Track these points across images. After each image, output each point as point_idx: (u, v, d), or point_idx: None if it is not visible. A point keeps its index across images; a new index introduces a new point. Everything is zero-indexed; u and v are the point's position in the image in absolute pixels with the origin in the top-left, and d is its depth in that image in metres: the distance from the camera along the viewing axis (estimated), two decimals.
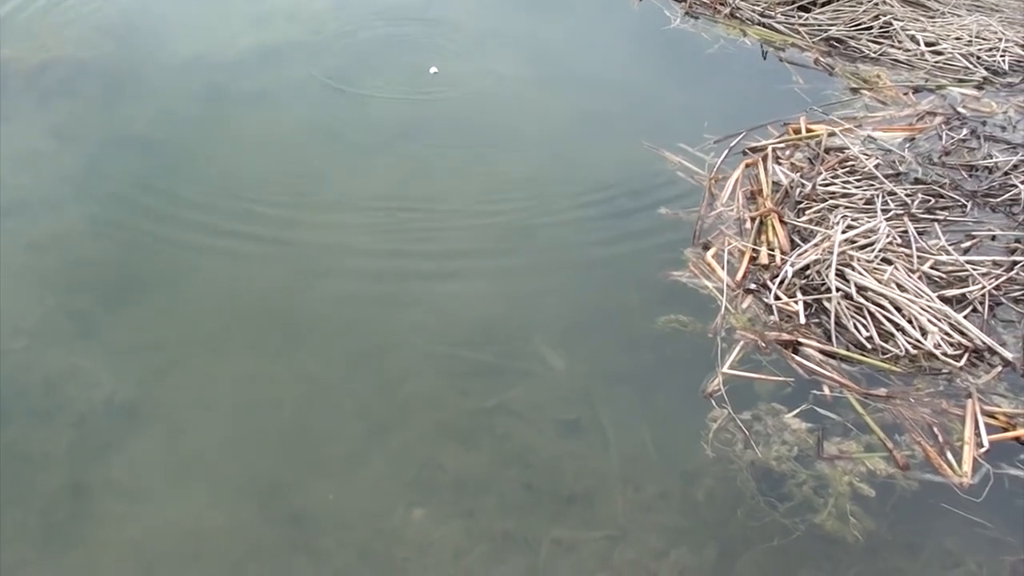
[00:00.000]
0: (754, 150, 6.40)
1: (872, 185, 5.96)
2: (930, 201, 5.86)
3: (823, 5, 8.15)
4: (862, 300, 5.07)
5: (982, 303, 5.15)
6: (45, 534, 4.06)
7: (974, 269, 5.32)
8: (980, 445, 4.45)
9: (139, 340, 4.95)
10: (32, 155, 6.17)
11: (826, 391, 4.73)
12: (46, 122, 6.49)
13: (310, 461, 4.42)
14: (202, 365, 4.86)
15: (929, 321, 4.97)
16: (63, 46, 7.38)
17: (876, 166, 6.12)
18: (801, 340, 4.95)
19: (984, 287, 5.19)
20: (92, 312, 5.09)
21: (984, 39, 7.69)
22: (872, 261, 5.27)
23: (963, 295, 5.18)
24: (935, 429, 4.53)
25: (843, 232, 5.43)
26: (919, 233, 5.54)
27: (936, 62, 7.44)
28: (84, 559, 4.00)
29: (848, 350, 4.92)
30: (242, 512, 4.20)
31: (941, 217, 5.73)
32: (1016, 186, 5.97)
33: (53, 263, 5.37)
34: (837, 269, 5.20)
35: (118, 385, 4.69)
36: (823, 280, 5.19)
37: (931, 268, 5.31)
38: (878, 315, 5.01)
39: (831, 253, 5.27)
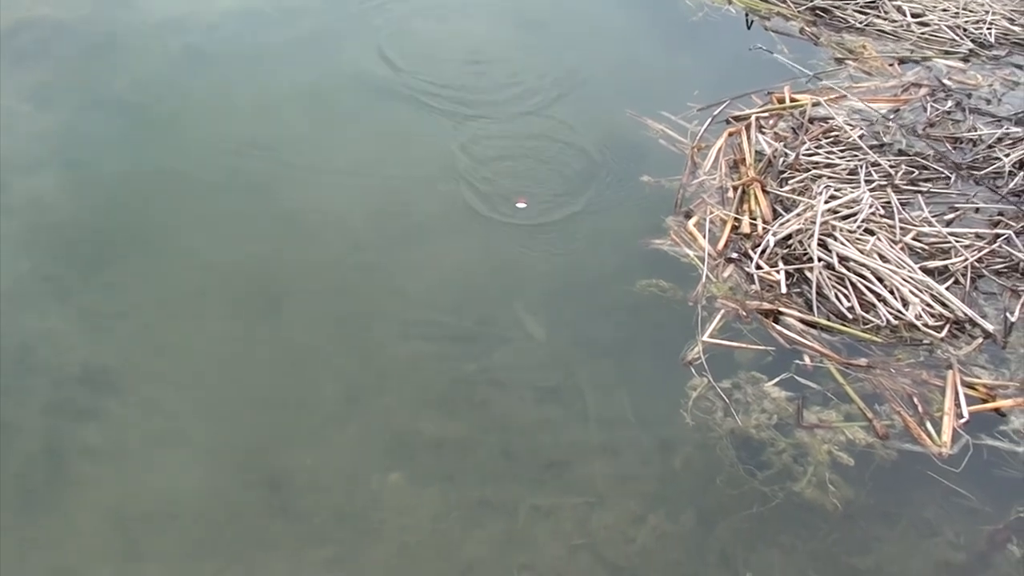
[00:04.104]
0: (737, 119, 6.36)
1: (856, 156, 5.94)
2: (914, 173, 5.84)
3: None
4: (844, 270, 5.06)
5: (964, 275, 5.14)
6: (21, 499, 4.03)
7: (957, 241, 5.31)
8: (960, 416, 4.45)
9: (115, 305, 4.90)
10: (6, 117, 6.07)
11: (806, 360, 4.72)
12: (21, 84, 6.39)
13: (288, 425, 4.40)
14: (179, 330, 4.82)
15: (911, 292, 4.96)
16: (39, 6, 7.26)
17: (860, 137, 6.09)
18: (782, 309, 4.94)
19: (966, 259, 5.18)
20: (68, 276, 5.04)
21: (971, 11, 7.66)
22: (855, 232, 5.25)
23: (945, 267, 5.17)
24: (915, 399, 4.53)
25: (826, 202, 5.41)
26: (902, 204, 5.52)
27: (922, 33, 7.40)
28: (61, 523, 3.98)
29: (829, 320, 4.90)
30: (219, 475, 4.18)
31: (924, 189, 5.72)
32: (1000, 159, 5.95)
33: (28, 227, 5.30)
34: (819, 239, 5.18)
35: (94, 350, 4.66)
36: (805, 250, 5.17)
37: (914, 239, 5.30)
38: (860, 285, 5.00)
39: (813, 223, 5.25)
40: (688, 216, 5.53)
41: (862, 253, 5.11)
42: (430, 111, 6.39)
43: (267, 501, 4.08)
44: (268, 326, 4.85)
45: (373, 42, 7.06)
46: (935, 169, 5.89)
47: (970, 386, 4.60)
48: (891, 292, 4.97)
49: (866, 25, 7.47)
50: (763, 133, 6.18)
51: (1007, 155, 5.98)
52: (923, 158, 5.95)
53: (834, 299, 4.97)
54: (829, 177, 5.74)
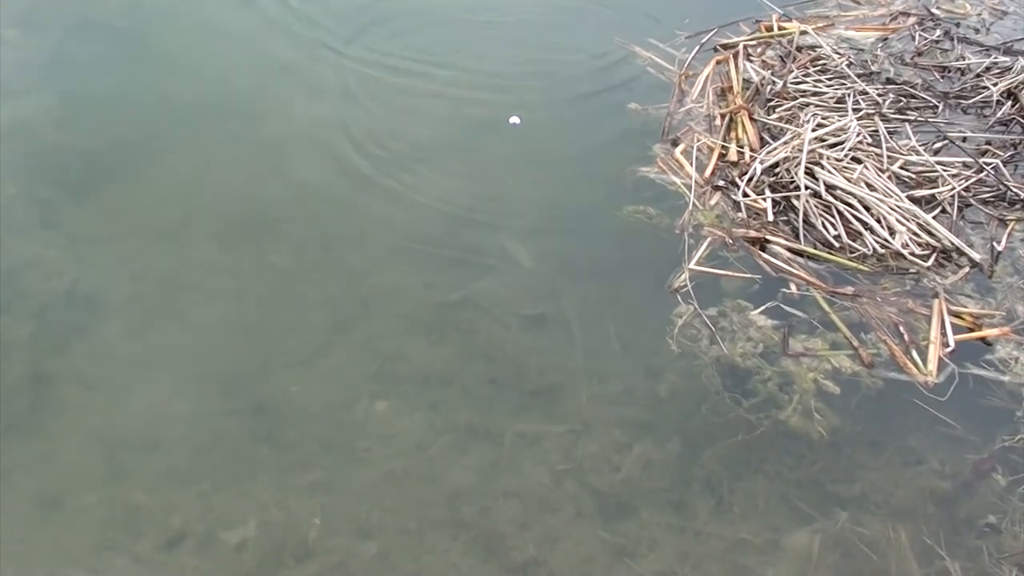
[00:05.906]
0: (725, 47, 6.28)
1: (843, 84, 5.88)
2: (901, 101, 5.79)
3: None
4: (831, 199, 5.02)
5: (951, 204, 5.12)
6: (7, 423, 4.02)
7: (944, 170, 5.27)
8: (946, 345, 4.45)
9: (102, 230, 4.87)
10: None
11: (793, 289, 4.70)
12: (7, 9, 6.26)
13: (273, 352, 4.37)
14: (165, 255, 4.79)
15: (898, 221, 4.93)
16: None
17: (848, 65, 6.03)
18: (769, 237, 4.91)
19: (954, 188, 5.16)
20: (55, 202, 5.00)
21: None
22: (842, 160, 5.21)
23: (932, 196, 5.14)
24: (901, 328, 4.52)
25: (813, 130, 5.36)
26: (890, 133, 5.47)
27: None
28: (46, 448, 3.97)
29: (816, 248, 4.88)
30: (204, 402, 4.16)
31: (912, 117, 5.67)
32: (988, 88, 5.90)
33: (15, 152, 5.24)
34: (806, 167, 5.13)
35: (80, 275, 4.63)
36: (792, 178, 5.13)
37: (901, 168, 5.26)
38: (846, 214, 4.97)
39: (801, 151, 5.20)
40: (675, 144, 5.47)
41: (849, 181, 5.07)
42: (416, 41, 6.30)
43: (252, 428, 4.07)
44: (254, 252, 4.82)
45: None
46: (923, 98, 5.83)
47: (956, 315, 4.59)
48: (878, 221, 4.94)
49: None
50: (751, 61, 6.11)
51: (995, 84, 5.92)
52: (911, 87, 5.90)
53: (821, 227, 4.94)
54: (817, 105, 5.68)
